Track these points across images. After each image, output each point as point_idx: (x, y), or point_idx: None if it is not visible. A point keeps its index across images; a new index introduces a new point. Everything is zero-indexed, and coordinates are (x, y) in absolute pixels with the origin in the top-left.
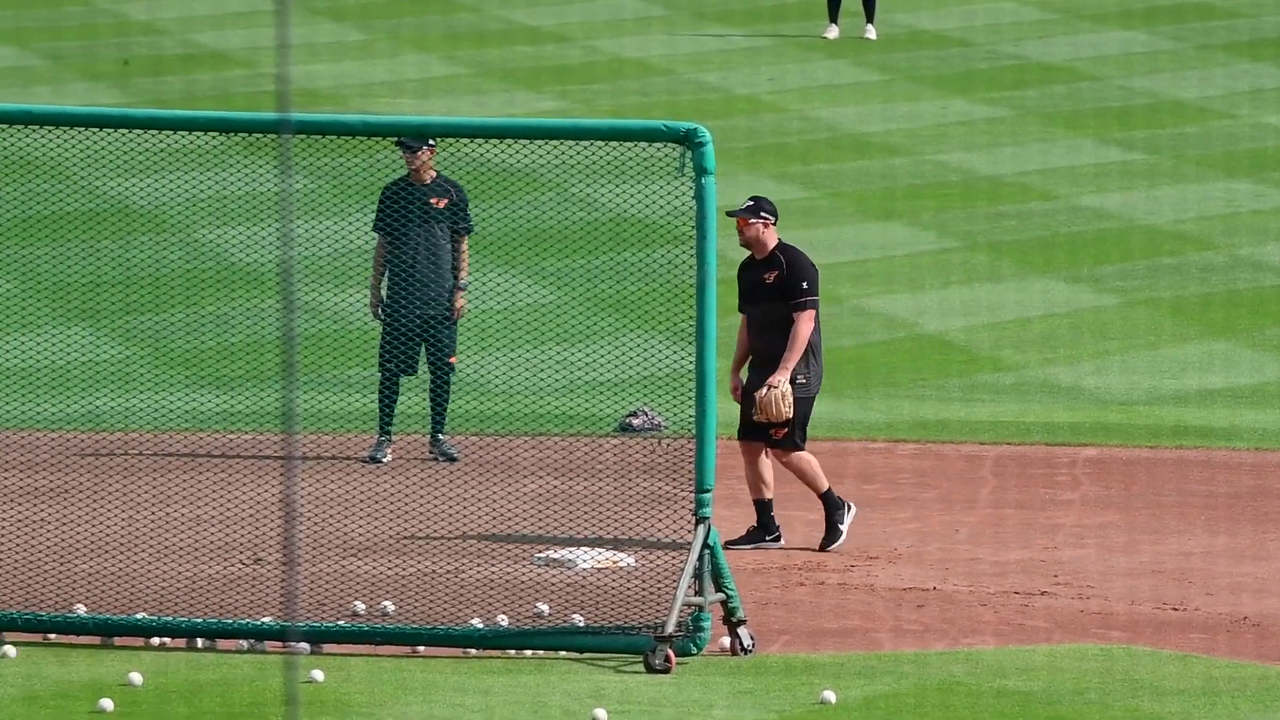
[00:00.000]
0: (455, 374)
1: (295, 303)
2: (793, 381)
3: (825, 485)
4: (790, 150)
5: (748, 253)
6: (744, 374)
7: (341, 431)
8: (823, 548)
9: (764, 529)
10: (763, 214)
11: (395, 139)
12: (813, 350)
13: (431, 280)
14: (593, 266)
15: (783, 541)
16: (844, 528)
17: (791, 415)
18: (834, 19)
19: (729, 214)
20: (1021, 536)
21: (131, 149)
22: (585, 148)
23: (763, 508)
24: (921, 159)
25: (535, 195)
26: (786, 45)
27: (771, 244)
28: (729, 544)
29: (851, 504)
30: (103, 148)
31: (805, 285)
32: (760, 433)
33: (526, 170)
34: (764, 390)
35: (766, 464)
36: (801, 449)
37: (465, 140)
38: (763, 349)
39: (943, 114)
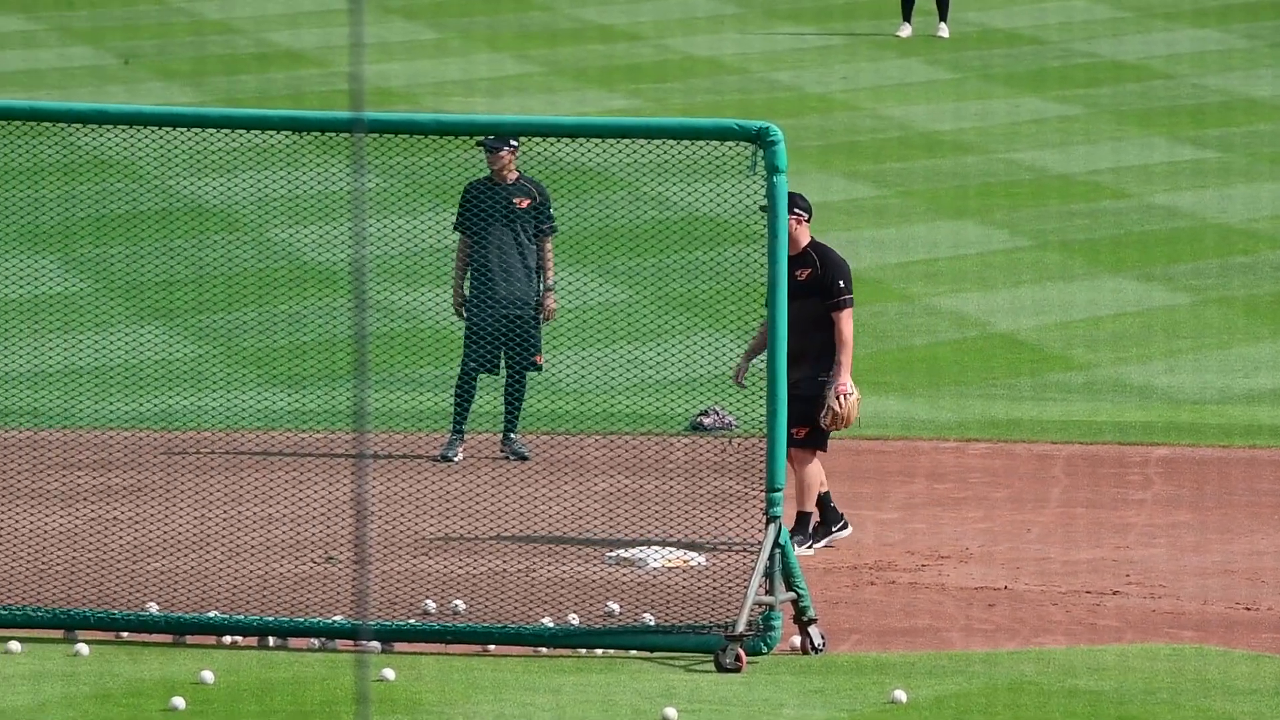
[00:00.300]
0: (535, 373)
1: (367, 301)
2: (816, 379)
3: (813, 508)
4: (862, 149)
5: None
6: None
7: (412, 430)
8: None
9: (828, 524)
10: (796, 210)
11: (477, 139)
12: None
13: (513, 280)
14: (664, 265)
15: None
16: (799, 550)
17: (849, 416)
18: (907, 17)
19: (761, 209)
20: (1092, 536)
21: (205, 148)
22: (657, 146)
23: (821, 502)
24: (993, 157)
25: (607, 194)
26: (859, 43)
27: (804, 241)
28: (801, 544)
29: (811, 549)
30: (176, 147)
31: (842, 284)
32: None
33: (598, 169)
34: (838, 400)
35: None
36: (824, 449)
37: (537, 139)
38: (793, 346)
39: (1015, 112)
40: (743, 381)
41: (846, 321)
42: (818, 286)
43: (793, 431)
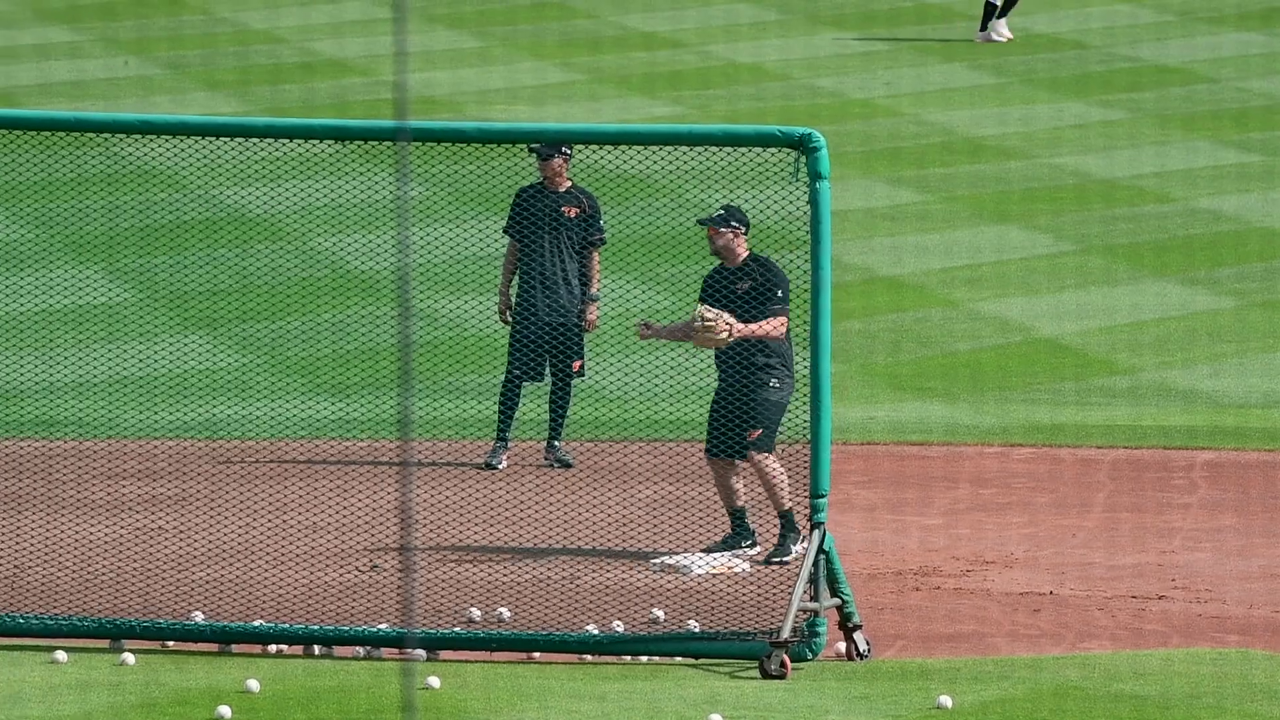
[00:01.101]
0: (577, 379)
1: (412, 309)
2: (766, 386)
3: (788, 504)
4: (904, 154)
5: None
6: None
7: (456, 438)
8: (766, 560)
9: (741, 536)
10: (734, 223)
11: (529, 146)
12: (789, 357)
13: (556, 288)
14: (707, 272)
15: (759, 550)
16: (796, 550)
17: (724, 340)
18: (999, 16)
19: (699, 222)
20: (1137, 541)
21: (249, 158)
22: (700, 153)
23: (739, 515)
24: (1036, 162)
25: (650, 201)
26: (901, 49)
27: (742, 254)
28: (705, 550)
29: (804, 544)
30: (221, 157)
31: (780, 294)
32: (730, 446)
33: (641, 176)
34: (716, 318)
35: (737, 475)
36: (772, 451)
37: (581, 146)
38: (725, 359)
39: (1058, 117)
40: (646, 335)
41: (775, 322)
42: (759, 298)
43: (746, 435)
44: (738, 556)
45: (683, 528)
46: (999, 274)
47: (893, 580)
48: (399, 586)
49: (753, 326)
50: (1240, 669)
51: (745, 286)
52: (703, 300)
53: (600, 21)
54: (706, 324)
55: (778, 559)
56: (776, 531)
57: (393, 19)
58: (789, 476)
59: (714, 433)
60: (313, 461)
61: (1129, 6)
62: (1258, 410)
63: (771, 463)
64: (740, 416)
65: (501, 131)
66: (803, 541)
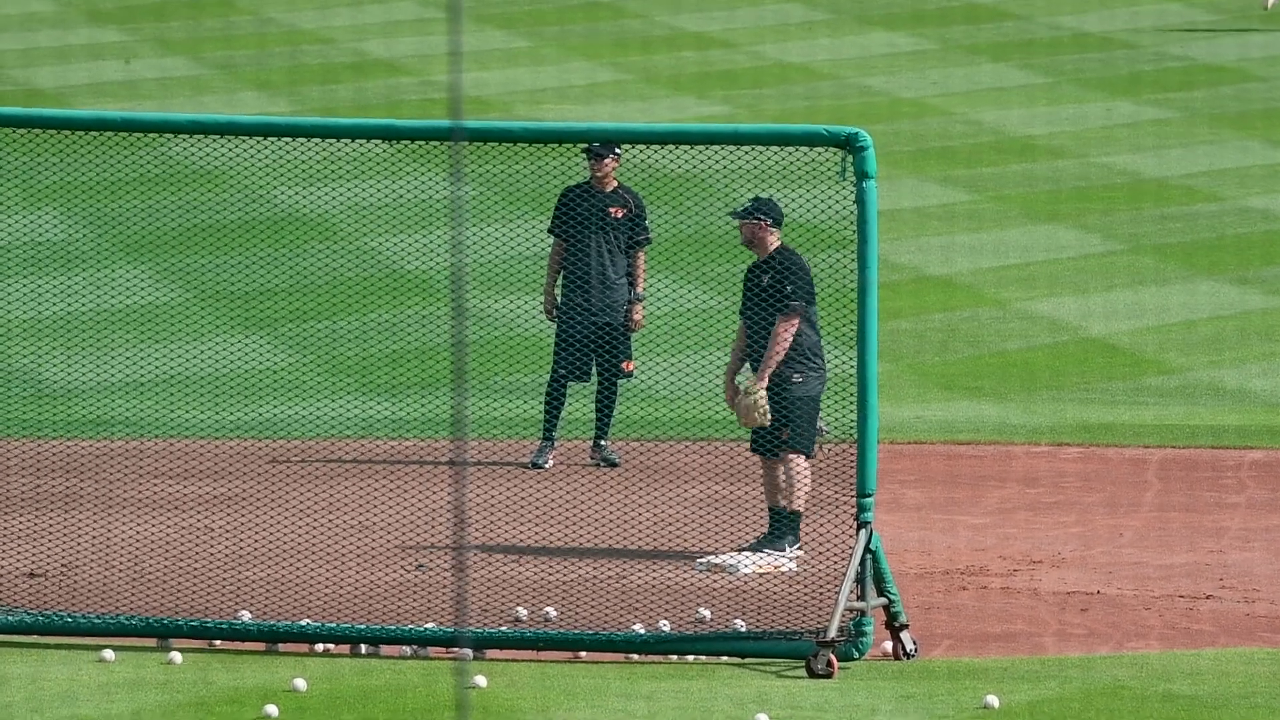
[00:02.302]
0: (626, 379)
1: (466, 309)
2: (788, 381)
3: (799, 507)
4: (955, 153)
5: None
6: (741, 381)
7: (504, 438)
8: (752, 547)
9: (781, 534)
10: (759, 215)
11: (583, 146)
12: (811, 350)
13: (602, 288)
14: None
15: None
16: (786, 555)
17: (768, 421)
18: None
19: (730, 214)
20: (1187, 540)
21: (302, 158)
22: (750, 152)
23: (779, 513)
24: (1087, 161)
25: (700, 200)
26: (951, 49)
27: (771, 246)
28: (742, 549)
29: (801, 550)
30: (274, 157)
31: (790, 290)
32: (765, 444)
33: (691, 175)
34: (741, 395)
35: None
36: (810, 454)
37: (631, 145)
38: (756, 353)
39: (1109, 116)
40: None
41: (784, 326)
42: (777, 293)
43: (779, 434)
44: (784, 555)
45: (729, 527)
46: (1050, 273)
47: (941, 579)
48: (447, 586)
49: (766, 356)
50: None
51: (766, 280)
52: (744, 293)
53: (651, 22)
54: (748, 397)
55: (760, 549)
56: (808, 529)
57: (446, 19)
58: (844, 481)
59: (753, 430)
60: (360, 461)
61: (1181, 5)
62: None
63: (799, 464)
64: (772, 415)
65: (556, 131)
66: (793, 549)
